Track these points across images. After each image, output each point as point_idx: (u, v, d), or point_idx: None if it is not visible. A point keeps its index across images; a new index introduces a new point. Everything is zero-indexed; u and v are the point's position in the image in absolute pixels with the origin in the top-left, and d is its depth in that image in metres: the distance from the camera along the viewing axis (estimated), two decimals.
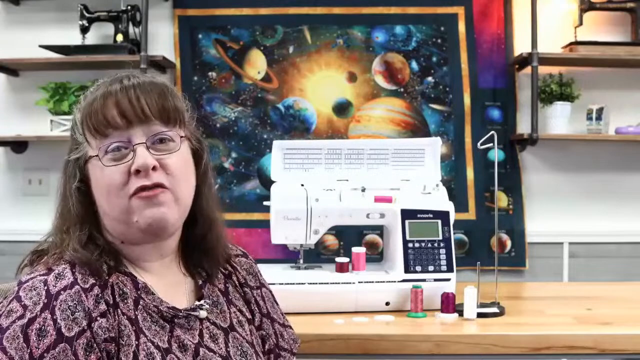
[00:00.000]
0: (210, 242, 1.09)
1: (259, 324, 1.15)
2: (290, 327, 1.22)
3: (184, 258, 1.09)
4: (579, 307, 1.75)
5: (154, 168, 0.96)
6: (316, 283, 1.70)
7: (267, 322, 1.16)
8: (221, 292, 1.11)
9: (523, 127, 2.79)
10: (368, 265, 1.77)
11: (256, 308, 1.15)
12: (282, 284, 1.65)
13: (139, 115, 0.97)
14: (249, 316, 1.13)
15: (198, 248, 1.09)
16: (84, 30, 2.73)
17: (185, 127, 1.04)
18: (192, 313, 1.02)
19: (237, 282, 1.15)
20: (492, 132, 1.72)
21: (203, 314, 1.04)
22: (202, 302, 1.05)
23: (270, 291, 1.22)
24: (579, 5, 2.68)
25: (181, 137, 1.01)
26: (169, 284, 1.04)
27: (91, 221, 0.99)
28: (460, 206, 2.71)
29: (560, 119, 2.71)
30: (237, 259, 1.18)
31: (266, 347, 1.15)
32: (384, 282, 1.72)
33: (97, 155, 0.96)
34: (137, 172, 0.95)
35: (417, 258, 1.73)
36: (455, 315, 1.63)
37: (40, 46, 2.71)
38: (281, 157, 1.81)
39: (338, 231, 2.77)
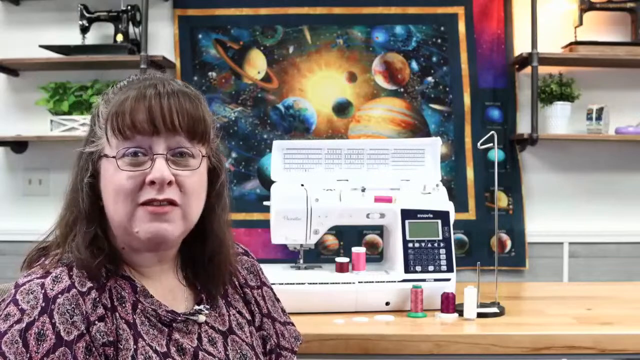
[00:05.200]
0: (218, 264, 1.07)
1: (259, 325, 1.15)
2: (292, 324, 1.22)
3: (184, 268, 1.08)
4: (579, 307, 1.75)
5: (169, 183, 0.94)
6: (316, 283, 1.69)
7: (267, 322, 1.16)
8: (220, 294, 1.10)
9: (523, 127, 2.79)
10: (368, 265, 1.77)
11: (256, 308, 1.15)
12: (282, 284, 1.65)
13: (167, 126, 0.95)
14: (249, 317, 1.13)
15: (204, 268, 1.07)
16: (84, 30, 2.74)
17: (208, 144, 1.02)
18: (191, 317, 1.02)
19: (237, 283, 1.14)
20: (492, 132, 1.72)
21: (202, 318, 1.03)
22: (201, 306, 1.04)
23: (271, 289, 1.21)
24: (579, 5, 2.68)
25: (202, 156, 0.99)
26: (168, 288, 1.04)
27: (98, 219, 0.97)
28: (460, 206, 2.71)
29: (560, 119, 2.71)
30: (238, 258, 1.17)
31: (267, 347, 1.15)
32: (384, 282, 1.71)
33: (114, 157, 0.94)
34: (152, 183, 0.93)
35: (417, 258, 1.73)
36: (455, 315, 1.63)
37: (40, 46, 2.71)
38: (281, 157, 1.81)
39: (338, 231, 2.77)
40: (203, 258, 1.07)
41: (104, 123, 0.97)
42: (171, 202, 0.95)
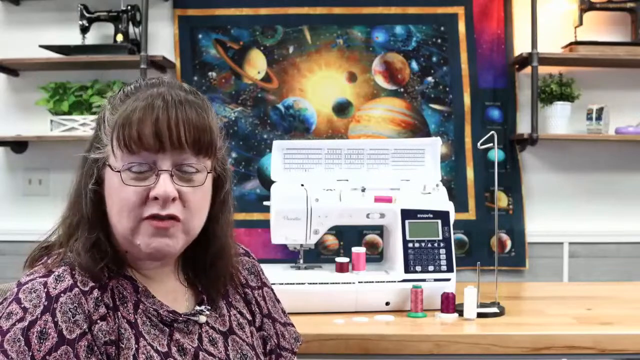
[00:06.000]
0: (219, 270, 1.07)
1: (259, 325, 1.15)
2: (292, 325, 1.22)
3: (184, 270, 1.08)
4: (579, 307, 1.75)
5: (173, 199, 0.94)
6: (316, 283, 1.69)
7: (268, 322, 1.16)
8: (221, 295, 1.10)
9: (523, 127, 2.79)
10: (368, 265, 1.77)
11: (257, 309, 1.15)
12: (282, 284, 1.65)
13: (174, 142, 0.93)
14: (250, 318, 1.13)
15: (205, 271, 1.07)
16: (84, 30, 2.74)
17: (214, 156, 1.01)
18: (192, 318, 1.02)
19: (238, 283, 1.14)
20: (492, 132, 1.72)
21: (202, 319, 1.03)
22: (202, 307, 1.04)
23: (272, 290, 1.21)
24: (579, 5, 2.68)
25: (208, 172, 0.99)
26: (169, 289, 1.04)
27: (100, 223, 0.97)
28: (460, 206, 2.71)
29: (560, 119, 2.71)
30: (239, 258, 1.17)
31: (267, 347, 1.15)
32: (384, 282, 1.71)
33: (118, 171, 0.94)
34: (155, 198, 0.93)
35: (417, 258, 1.73)
36: (455, 315, 1.63)
37: (40, 46, 2.71)
38: (281, 157, 1.81)
39: (338, 231, 2.77)
40: (205, 262, 1.07)
41: (110, 131, 0.96)
42: (173, 218, 0.95)
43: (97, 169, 0.97)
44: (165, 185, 0.93)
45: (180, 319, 1.00)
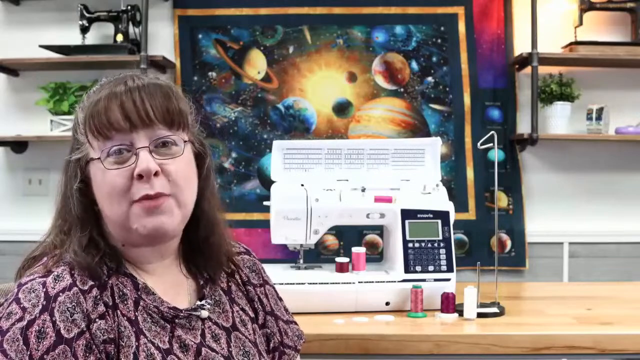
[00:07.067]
0: (213, 245, 1.08)
1: (262, 322, 1.15)
2: (295, 323, 1.22)
3: (185, 260, 1.09)
4: (579, 307, 1.75)
5: (156, 173, 0.95)
6: (316, 283, 1.69)
7: (271, 320, 1.16)
8: (223, 291, 1.10)
9: (523, 127, 2.79)
10: (368, 265, 1.77)
11: (259, 306, 1.15)
12: (282, 284, 1.64)
13: (143, 119, 0.95)
14: (252, 315, 1.13)
15: (200, 251, 1.08)
16: (84, 30, 2.74)
17: (188, 130, 1.03)
18: (194, 313, 1.02)
19: (239, 281, 1.15)
20: (492, 132, 1.72)
21: (204, 313, 1.04)
22: (203, 301, 1.05)
23: (274, 288, 1.22)
24: (579, 5, 2.68)
25: (185, 141, 1.00)
26: (170, 284, 1.04)
27: (92, 222, 0.98)
28: (460, 206, 2.71)
29: (560, 119, 2.71)
30: (240, 257, 1.18)
31: (271, 345, 1.15)
32: (384, 282, 1.71)
33: (99, 158, 0.95)
34: (140, 177, 0.94)
35: (417, 258, 1.73)
36: (455, 315, 1.63)
37: (40, 46, 2.71)
38: (281, 157, 1.81)
39: (338, 231, 2.77)
40: (198, 241, 1.08)
41: (83, 128, 0.98)
42: (162, 195, 0.95)
43: (80, 168, 0.98)
44: (146, 160, 0.94)
45: (182, 314, 1.00)
